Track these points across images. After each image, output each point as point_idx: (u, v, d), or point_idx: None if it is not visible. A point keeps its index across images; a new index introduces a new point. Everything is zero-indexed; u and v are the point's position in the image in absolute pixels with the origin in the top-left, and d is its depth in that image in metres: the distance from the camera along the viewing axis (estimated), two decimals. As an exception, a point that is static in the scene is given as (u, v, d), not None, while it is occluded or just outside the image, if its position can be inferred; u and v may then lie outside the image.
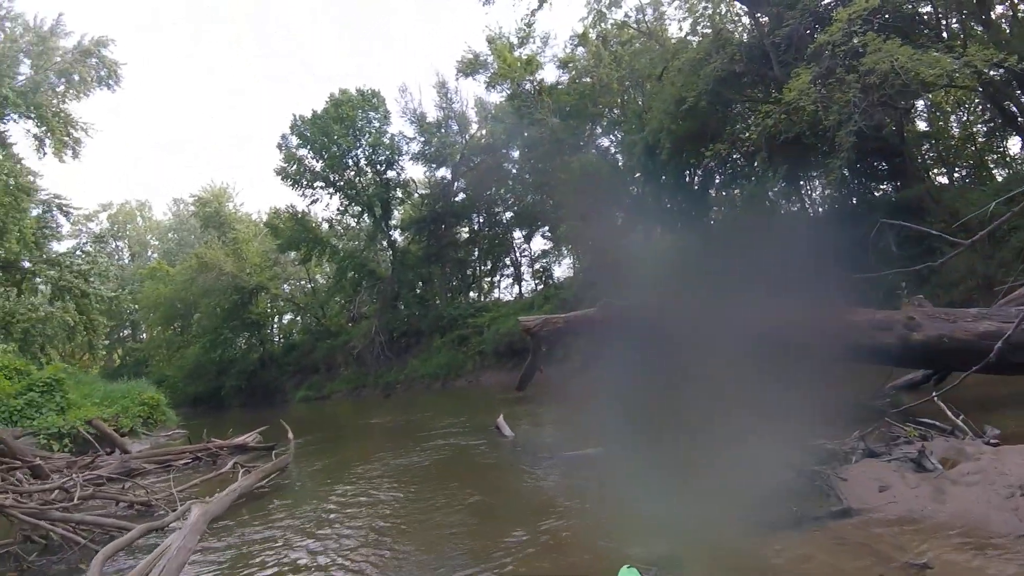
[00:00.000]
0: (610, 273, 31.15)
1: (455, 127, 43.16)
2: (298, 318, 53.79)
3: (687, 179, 29.64)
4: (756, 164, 23.21)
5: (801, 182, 25.88)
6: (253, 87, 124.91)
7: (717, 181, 31.18)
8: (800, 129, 21.18)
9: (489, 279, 48.08)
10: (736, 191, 25.42)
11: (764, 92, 24.44)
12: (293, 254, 46.14)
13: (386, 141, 42.09)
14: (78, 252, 35.61)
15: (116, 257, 71.78)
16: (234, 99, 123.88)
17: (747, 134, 24.45)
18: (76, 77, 34.38)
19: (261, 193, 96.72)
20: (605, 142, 39.25)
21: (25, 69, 32.56)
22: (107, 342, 66.56)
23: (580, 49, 38.06)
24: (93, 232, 70.00)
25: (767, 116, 20.43)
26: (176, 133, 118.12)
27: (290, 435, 13.95)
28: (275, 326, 54.98)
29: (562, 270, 43.91)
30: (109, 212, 72.47)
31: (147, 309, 57.37)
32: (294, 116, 42.09)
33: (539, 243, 45.64)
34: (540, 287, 42.45)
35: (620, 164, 37.54)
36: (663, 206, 35.29)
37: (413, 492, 8.44)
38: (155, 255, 68.47)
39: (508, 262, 47.15)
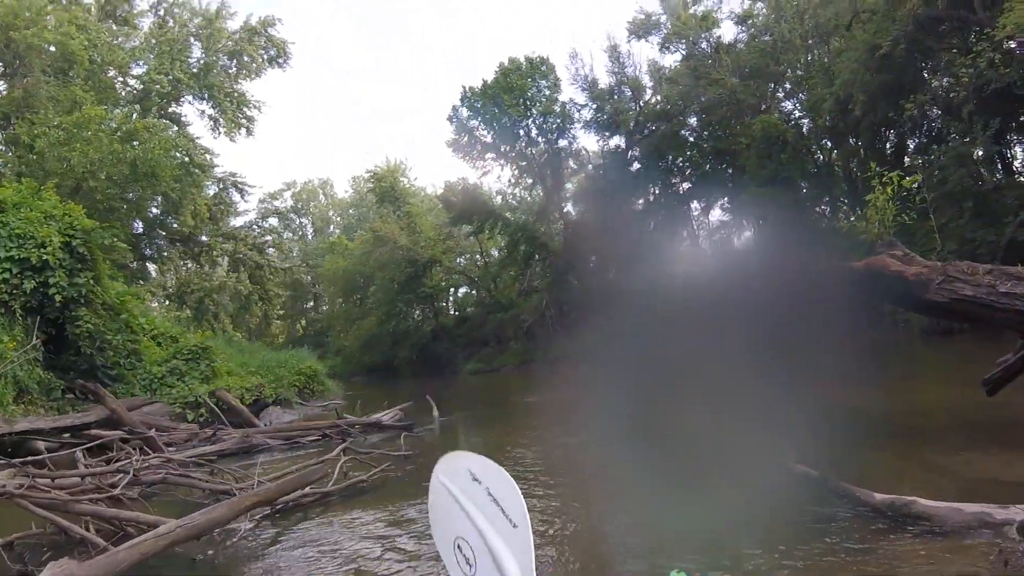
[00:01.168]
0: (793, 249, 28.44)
1: (628, 93, 41.10)
2: (471, 291, 53.97)
3: (880, 141, 26.25)
4: (964, 116, 19.77)
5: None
6: (427, 65, 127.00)
7: (912, 146, 27.55)
8: (1012, 77, 18.04)
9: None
10: (938, 154, 21.72)
11: (964, 42, 21.01)
12: (466, 227, 45.93)
13: (557, 109, 40.84)
14: (254, 226, 37.19)
15: (299, 233, 75.90)
16: (398, 74, 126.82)
17: (950, 85, 21.22)
18: (247, 58, 35.61)
19: (435, 166, 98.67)
20: (788, 105, 36.08)
21: (197, 52, 33.96)
22: (287, 313, 71.05)
23: (760, 3, 35.03)
24: (273, 208, 75.20)
25: (978, 57, 17.41)
26: (355, 110, 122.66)
27: (435, 411, 13.10)
28: (448, 299, 55.49)
29: (741, 244, 41.03)
30: (293, 190, 76.36)
31: (327, 282, 59.98)
32: (463, 88, 41.82)
33: (717, 215, 43.00)
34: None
35: (805, 130, 34.36)
36: (851, 175, 31.95)
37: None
38: (336, 231, 71.37)
39: (685, 235, 44.77)
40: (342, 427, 11.98)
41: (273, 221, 40.35)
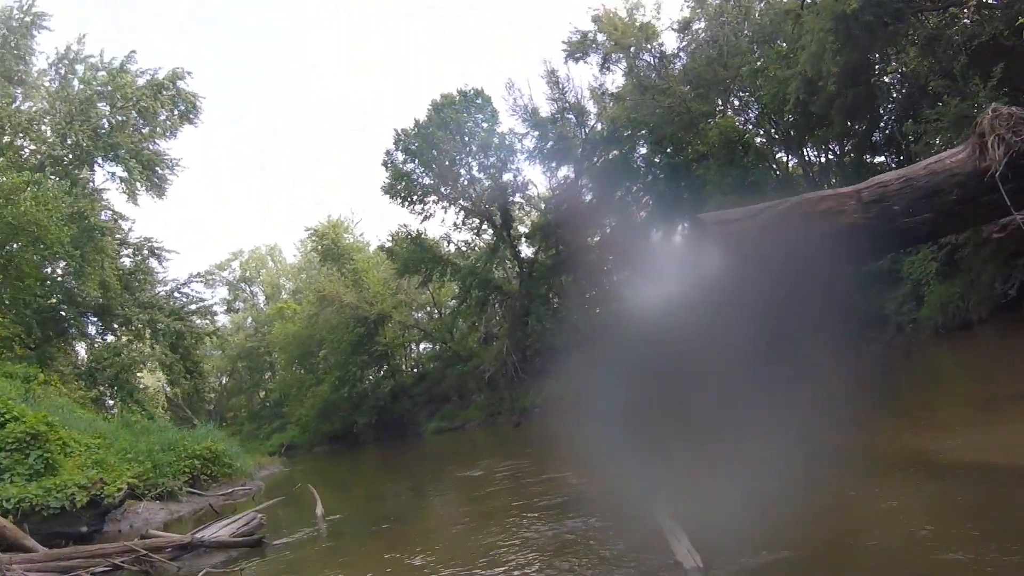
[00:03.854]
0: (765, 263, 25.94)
1: (572, 119, 38.69)
2: (431, 346, 50.84)
3: (857, 121, 23.91)
4: (957, 73, 17.52)
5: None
6: (358, 113, 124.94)
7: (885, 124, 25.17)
8: (996, 29, 16.01)
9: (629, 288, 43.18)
10: (934, 119, 19.14)
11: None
12: (415, 278, 42.89)
13: (497, 142, 38.26)
14: (176, 293, 34.02)
15: (251, 302, 72.44)
16: (343, 125, 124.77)
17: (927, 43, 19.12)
18: (160, 115, 32.83)
19: (385, 220, 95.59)
20: (743, 108, 33.91)
21: (104, 110, 31.11)
22: (244, 386, 67.20)
23: (699, 8, 33.10)
24: (222, 278, 71.78)
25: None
26: (306, 172, 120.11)
27: (318, 509, 9.98)
28: (405, 356, 52.31)
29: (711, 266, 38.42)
30: (241, 259, 73.28)
31: (279, 349, 56.67)
32: (396, 131, 39.15)
33: (679, 243, 40.42)
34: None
35: (764, 130, 32.23)
36: (813, 177, 29.80)
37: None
38: (287, 297, 68.07)
39: (646, 265, 42.10)
40: (140, 553, 8.50)
41: (198, 287, 36.73)
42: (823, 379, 8.05)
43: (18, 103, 30.44)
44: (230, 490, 18.03)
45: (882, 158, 26.49)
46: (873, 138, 25.97)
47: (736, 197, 27.51)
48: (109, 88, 30.84)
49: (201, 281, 37.13)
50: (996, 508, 4.99)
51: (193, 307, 35.66)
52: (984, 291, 17.01)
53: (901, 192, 7.63)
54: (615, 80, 37.11)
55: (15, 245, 21.79)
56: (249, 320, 69.74)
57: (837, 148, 29.54)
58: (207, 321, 39.22)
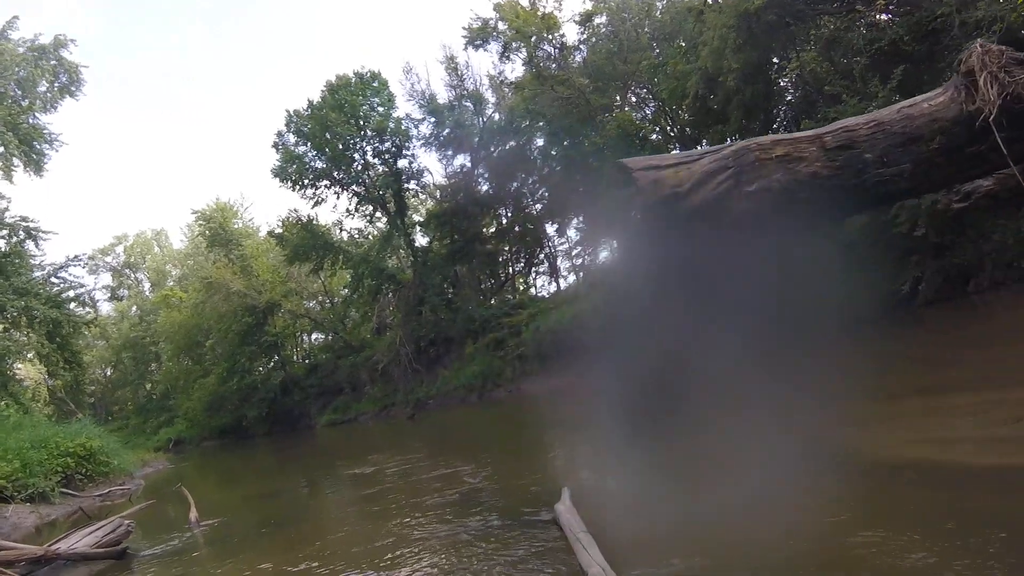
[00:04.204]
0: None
1: (470, 107, 38.07)
2: (323, 336, 49.33)
3: (752, 121, 24.19)
4: (857, 74, 17.79)
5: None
6: (249, 91, 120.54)
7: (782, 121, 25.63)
8: (896, 34, 16.29)
9: (523, 278, 43.15)
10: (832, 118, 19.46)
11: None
12: (305, 265, 41.33)
13: (392, 126, 37.20)
14: (52, 278, 31.64)
15: (136, 289, 68.92)
16: (231, 106, 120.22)
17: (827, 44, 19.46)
18: (40, 87, 30.54)
19: (277, 205, 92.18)
20: (641, 104, 34.07)
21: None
22: (129, 378, 63.79)
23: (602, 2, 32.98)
24: (104, 264, 68.02)
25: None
26: (186, 154, 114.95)
27: (192, 514, 9.18)
28: (297, 347, 50.65)
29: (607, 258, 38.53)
30: (125, 244, 69.73)
31: (164, 339, 53.95)
32: (288, 112, 37.62)
33: (574, 235, 40.51)
34: (582, 277, 37.11)
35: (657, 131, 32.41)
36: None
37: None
38: (173, 284, 64.88)
39: (542, 257, 42.18)
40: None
41: (77, 271, 34.28)
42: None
43: None
44: (107, 490, 16.81)
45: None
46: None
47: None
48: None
49: (81, 265, 34.51)
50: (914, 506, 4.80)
51: (72, 293, 33.29)
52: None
53: (873, 138, 6.86)
54: (515, 70, 36.68)
55: None
56: (134, 309, 66.54)
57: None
58: (87, 309, 36.80)
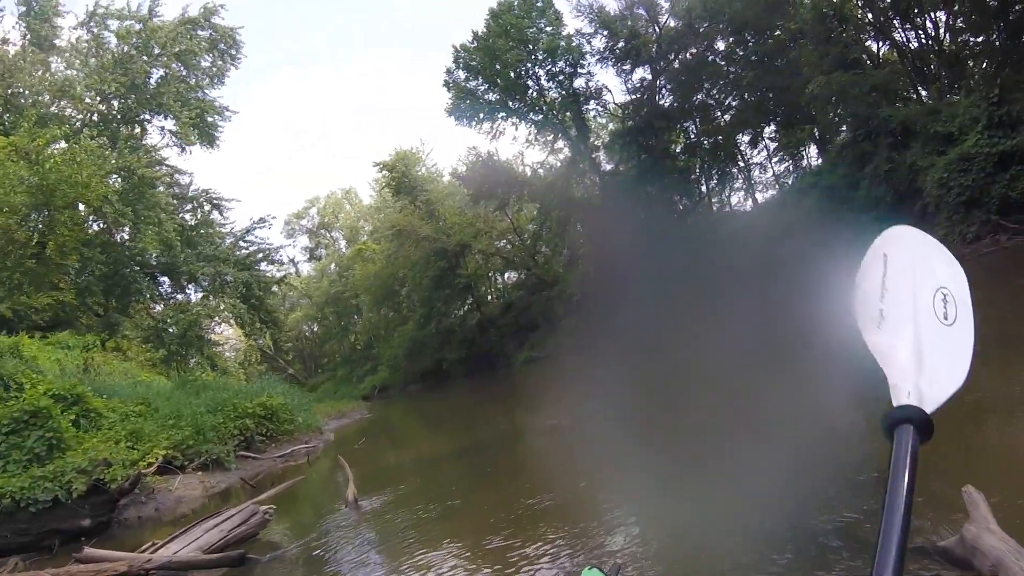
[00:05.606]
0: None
1: (643, 14, 35.07)
2: (516, 274, 48.80)
3: None
4: None
5: None
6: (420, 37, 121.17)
7: None
8: None
9: (719, 193, 40.09)
10: None
11: None
12: (491, 203, 40.52)
13: (563, 44, 35.07)
14: (240, 243, 32.83)
15: (332, 247, 72.04)
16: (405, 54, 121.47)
17: None
18: (200, 59, 31.27)
19: (460, 145, 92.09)
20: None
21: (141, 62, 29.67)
22: (334, 332, 67.25)
23: None
24: (301, 227, 71.59)
25: None
26: (365, 114, 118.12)
27: (350, 489, 7.87)
28: (489, 287, 50.54)
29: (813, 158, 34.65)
30: (317, 207, 72.76)
31: (362, 291, 55.74)
32: (455, 47, 36.54)
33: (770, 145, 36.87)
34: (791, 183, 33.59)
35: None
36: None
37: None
38: (367, 238, 67.11)
39: (736, 172, 38.85)
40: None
41: (262, 233, 35.62)
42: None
43: (55, 67, 29.56)
44: (289, 450, 16.05)
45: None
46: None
47: (841, 75, 23.96)
48: (141, 39, 29.44)
49: (267, 226, 35.78)
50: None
51: (260, 255, 34.53)
52: None
53: None
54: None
55: (46, 212, 20.46)
56: (332, 266, 69.37)
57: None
58: (278, 269, 38.21)
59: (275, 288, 37.04)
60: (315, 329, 71.97)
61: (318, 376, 65.36)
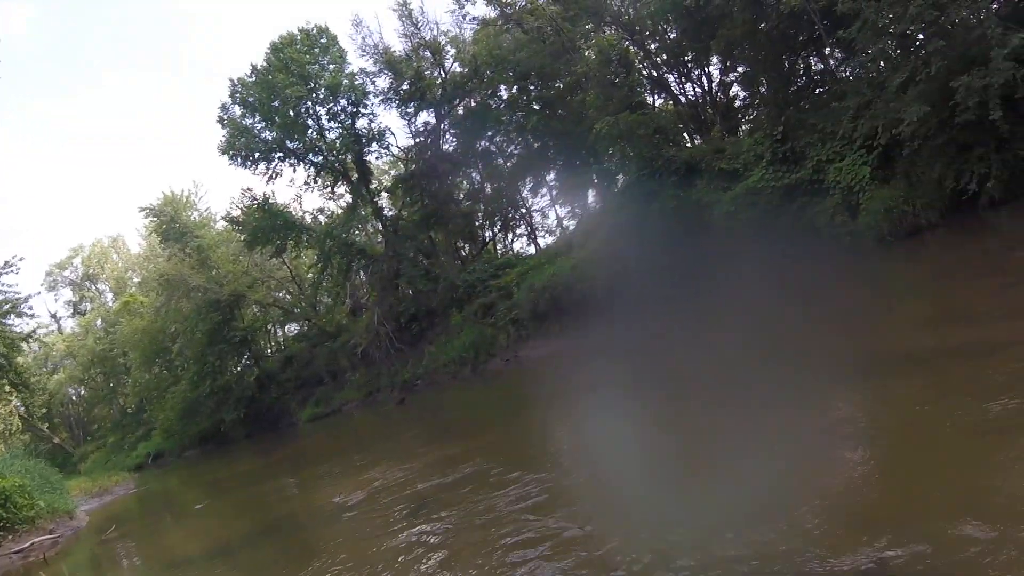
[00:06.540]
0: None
1: (429, 56, 34.68)
2: (294, 326, 46.07)
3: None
4: None
5: None
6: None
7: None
8: None
9: (502, 241, 40.31)
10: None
11: None
12: (267, 248, 37.85)
13: (346, 82, 33.78)
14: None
15: (98, 301, 65.24)
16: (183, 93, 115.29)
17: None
18: None
19: (237, 185, 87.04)
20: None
21: None
22: (102, 394, 60.31)
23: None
24: (63, 279, 64.23)
25: None
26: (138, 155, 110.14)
27: None
28: (268, 339, 47.42)
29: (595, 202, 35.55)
30: (82, 256, 65.93)
31: (129, 348, 50.28)
32: (231, 81, 34.14)
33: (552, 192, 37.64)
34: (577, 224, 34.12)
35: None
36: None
37: None
38: (134, 290, 61.12)
39: (518, 218, 39.36)
40: None
41: (9, 279, 30.56)
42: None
43: None
44: (29, 543, 13.28)
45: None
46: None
47: (627, 115, 24.41)
48: None
49: (11, 271, 30.12)
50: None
51: (6, 306, 29.44)
52: (931, 192, 15.63)
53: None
54: (475, 2, 33.46)
55: None
56: (98, 321, 62.66)
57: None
58: (23, 321, 32.91)
59: (24, 345, 31.87)
60: (82, 392, 64.47)
61: (87, 445, 58.78)
